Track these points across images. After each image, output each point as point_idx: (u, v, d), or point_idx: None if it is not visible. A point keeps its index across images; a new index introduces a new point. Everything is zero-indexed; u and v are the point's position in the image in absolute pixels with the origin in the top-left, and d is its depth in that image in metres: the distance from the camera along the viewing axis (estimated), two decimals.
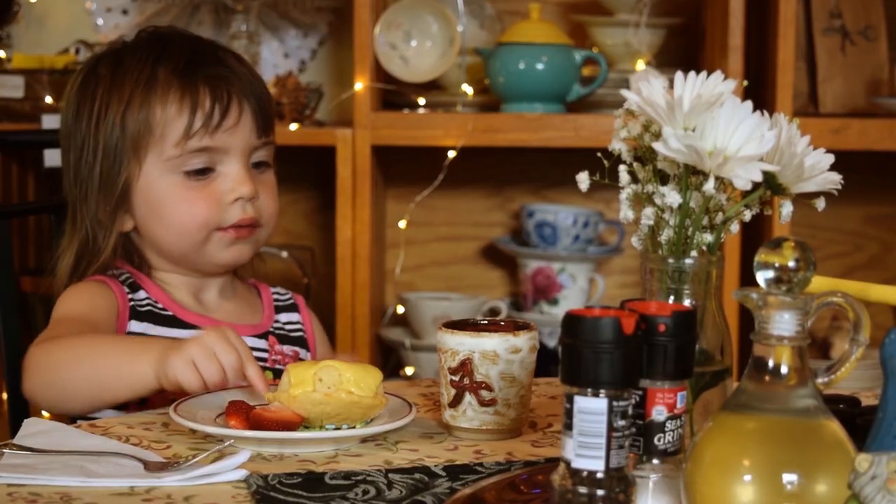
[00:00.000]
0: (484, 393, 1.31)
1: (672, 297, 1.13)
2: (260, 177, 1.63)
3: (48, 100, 2.61)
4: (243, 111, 1.60)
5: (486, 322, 1.37)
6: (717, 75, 1.12)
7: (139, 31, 1.67)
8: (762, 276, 0.98)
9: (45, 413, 1.61)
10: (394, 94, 2.67)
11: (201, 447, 1.26)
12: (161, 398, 1.49)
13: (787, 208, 1.17)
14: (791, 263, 0.97)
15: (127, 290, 1.60)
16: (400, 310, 2.82)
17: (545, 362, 2.66)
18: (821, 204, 1.18)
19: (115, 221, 1.61)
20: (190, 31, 1.72)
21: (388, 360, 2.79)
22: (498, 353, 1.31)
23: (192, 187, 1.59)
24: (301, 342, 1.69)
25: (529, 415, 1.37)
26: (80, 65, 2.67)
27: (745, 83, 2.46)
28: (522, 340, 1.33)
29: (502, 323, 1.37)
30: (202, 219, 1.59)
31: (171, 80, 1.59)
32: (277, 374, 1.61)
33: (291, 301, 1.73)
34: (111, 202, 1.60)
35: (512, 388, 1.32)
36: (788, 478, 0.93)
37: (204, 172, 1.59)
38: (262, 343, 1.64)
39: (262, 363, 1.61)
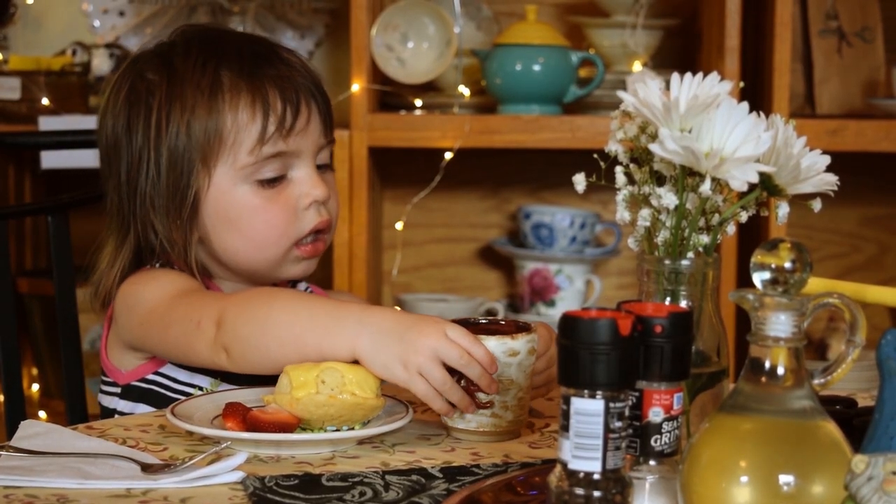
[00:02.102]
0: (481, 395, 1.31)
1: (668, 299, 1.13)
2: (324, 177, 1.58)
3: (45, 101, 2.61)
4: (312, 111, 1.55)
5: (485, 321, 1.37)
6: (714, 76, 1.12)
7: (181, 30, 1.59)
8: (758, 278, 0.98)
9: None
10: (391, 96, 2.67)
11: (198, 449, 1.26)
12: None
13: (783, 209, 1.17)
14: (787, 265, 0.98)
15: None
16: None
17: None
18: (817, 205, 1.18)
19: (191, 235, 1.53)
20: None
21: None
22: (495, 356, 1.31)
23: (267, 197, 1.53)
24: None
25: (528, 416, 1.37)
26: (77, 67, 2.70)
27: (742, 84, 2.46)
28: (520, 344, 1.32)
29: (502, 322, 1.36)
30: (281, 229, 1.53)
31: (237, 83, 1.52)
32: None
33: (310, 291, 1.70)
34: (183, 216, 1.52)
35: (510, 391, 1.32)
36: (785, 479, 0.93)
37: (276, 180, 1.53)
38: None
39: None
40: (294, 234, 1.54)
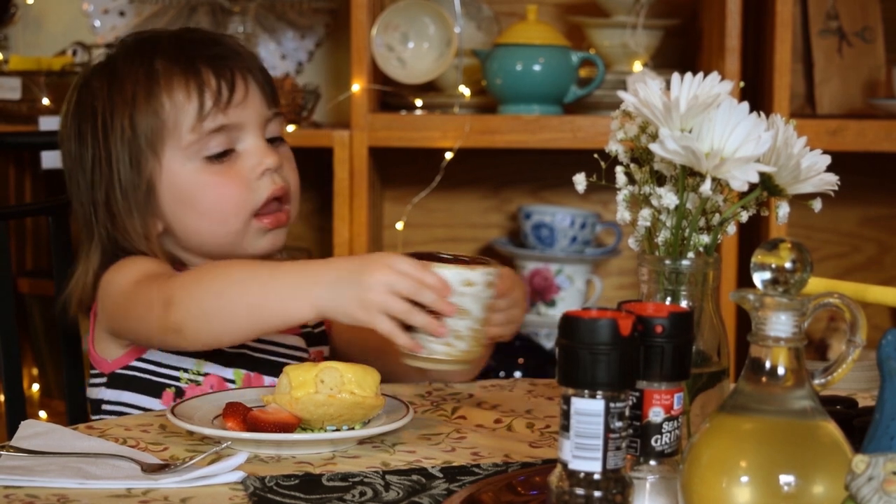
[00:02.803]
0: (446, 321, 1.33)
1: (669, 299, 1.13)
2: (278, 150, 1.60)
3: (45, 101, 2.61)
4: (249, 83, 1.58)
5: (448, 257, 1.38)
6: (714, 76, 1.12)
7: (121, 40, 1.65)
8: (759, 278, 0.98)
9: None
10: (391, 96, 2.67)
11: (198, 449, 1.26)
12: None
13: (783, 209, 1.17)
14: (788, 265, 0.98)
15: None
16: None
17: (542, 363, 2.67)
18: (817, 205, 1.18)
19: (149, 227, 1.56)
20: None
21: None
22: (451, 283, 1.32)
23: (216, 171, 1.55)
24: (322, 337, 1.67)
25: (486, 354, 1.40)
26: (78, 67, 2.70)
27: (742, 84, 2.46)
28: (477, 275, 1.33)
29: (465, 259, 1.37)
30: (235, 201, 1.55)
31: (171, 69, 1.56)
32: None
33: None
34: (142, 209, 1.56)
35: (463, 321, 1.32)
36: (785, 479, 0.93)
37: (224, 155, 1.56)
38: (301, 342, 1.63)
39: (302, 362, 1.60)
40: (251, 205, 1.56)
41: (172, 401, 1.52)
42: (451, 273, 1.32)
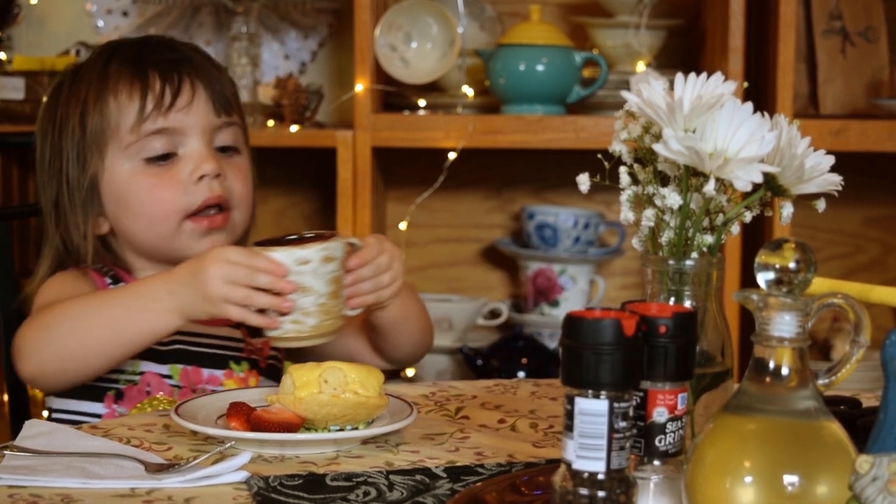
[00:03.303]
0: (293, 297, 1.39)
1: (673, 299, 1.13)
2: (228, 160, 1.62)
3: None
4: (196, 90, 1.60)
5: (294, 237, 1.42)
6: (718, 77, 1.12)
7: (98, 45, 1.70)
8: (763, 278, 0.98)
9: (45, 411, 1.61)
10: (394, 96, 2.67)
11: (202, 449, 1.26)
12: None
13: (787, 210, 1.17)
14: (792, 265, 0.98)
15: (109, 280, 1.61)
16: None
17: (546, 364, 2.67)
18: (821, 205, 1.18)
19: (88, 224, 1.60)
20: (190, 33, 1.73)
21: None
22: (285, 264, 1.37)
23: (153, 173, 1.58)
24: None
25: (345, 322, 1.45)
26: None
27: (746, 85, 2.46)
28: (311, 252, 1.38)
29: (310, 237, 1.41)
30: (168, 204, 1.57)
31: (121, 71, 1.59)
32: (253, 363, 1.61)
33: None
34: (83, 205, 1.60)
35: (307, 298, 1.38)
36: (789, 479, 0.93)
37: (165, 158, 1.58)
38: (234, 332, 1.63)
39: (238, 353, 1.61)
40: (183, 207, 1.58)
41: (114, 403, 1.55)
42: (282, 254, 1.38)
